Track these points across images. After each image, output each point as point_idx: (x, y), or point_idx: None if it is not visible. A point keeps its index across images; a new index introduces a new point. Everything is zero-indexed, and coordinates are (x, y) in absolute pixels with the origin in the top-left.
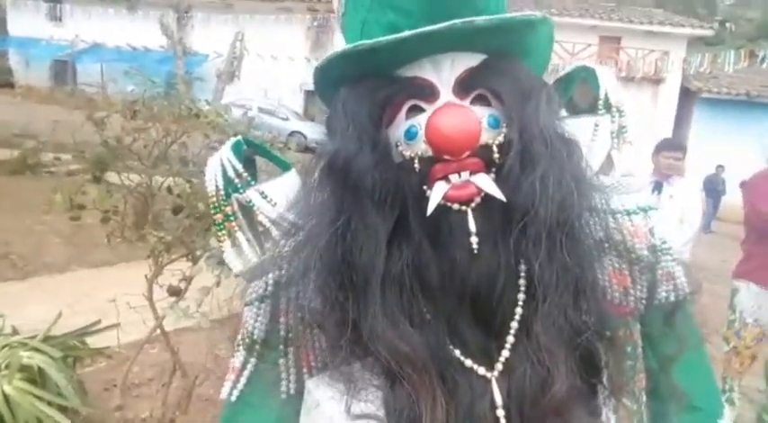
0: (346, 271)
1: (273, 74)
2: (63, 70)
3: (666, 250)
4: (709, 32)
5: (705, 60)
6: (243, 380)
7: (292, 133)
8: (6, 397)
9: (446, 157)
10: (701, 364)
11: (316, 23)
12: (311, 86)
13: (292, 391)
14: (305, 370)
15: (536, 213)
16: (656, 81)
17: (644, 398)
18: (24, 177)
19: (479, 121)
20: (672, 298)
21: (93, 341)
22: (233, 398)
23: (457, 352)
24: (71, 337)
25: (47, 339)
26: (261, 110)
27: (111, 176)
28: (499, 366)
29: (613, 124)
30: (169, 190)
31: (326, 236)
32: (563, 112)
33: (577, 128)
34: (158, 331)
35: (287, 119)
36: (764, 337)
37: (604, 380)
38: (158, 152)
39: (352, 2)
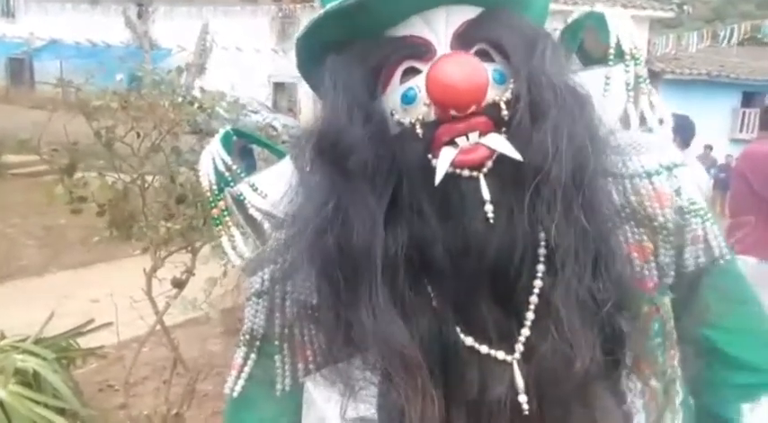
0: (339, 260)
1: (240, 66)
2: (20, 68)
3: (695, 211)
4: (669, 15)
5: (670, 41)
6: (244, 375)
7: (266, 126)
8: (1, 402)
9: (452, 112)
10: (750, 325)
11: (281, 14)
12: (279, 78)
13: (287, 388)
14: (301, 366)
15: (549, 170)
16: None
17: (678, 373)
18: None
19: (486, 70)
20: (701, 264)
21: (84, 342)
22: (234, 394)
23: (469, 339)
24: (63, 338)
25: (38, 341)
26: (230, 104)
27: (91, 175)
28: (520, 347)
29: (628, 74)
30: (172, 179)
31: (315, 222)
32: (573, 65)
33: (587, 82)
34: (157, 327)
35: (257, 112)
36: None
37: (628, 360)
38: (151, 143)
39: None
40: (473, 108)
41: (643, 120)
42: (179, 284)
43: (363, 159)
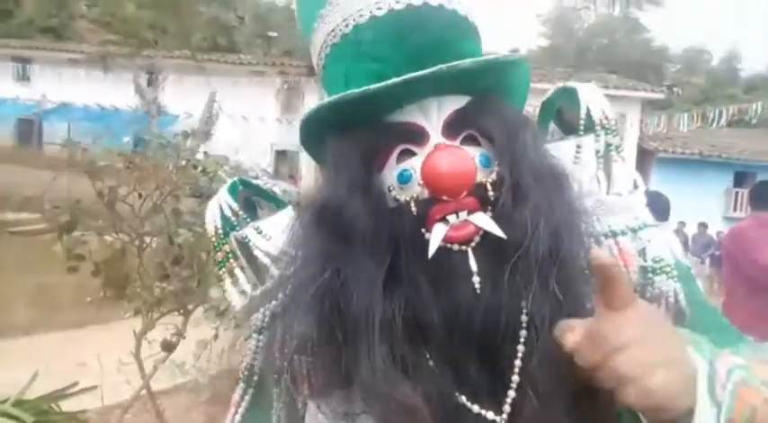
0: (338, 323)
1: (244, 134)
2: (28, 129)
3: (661, 269)
4: (660, 96)
5: (662, 121)
6: (241, 411)
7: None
8: None
9: (444, 197)
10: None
11: (286, 86)
12: (281, 146)
13: (283, 421)
14: (300, 399)
15: (528, 247)
16: None
17: None
18: None
19: (474, 160)
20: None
21: (67, 406)
22: None
23: (463, 398)
24: (44, 401)
25: (18, 403)
26: (232, 168)
27: (89, 235)
28: (507, 408)
29: (598, 143)
30: (170, 240)
31: (313, 289)
32: (552, 137)
33: (563, 151)
34: (143, 392)
35: (258, 178)
36: None
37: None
38: (152, 204)
39: (333, 55)
40: (462, 195)
41: (614, 184)
42: (169, 347)
43: (363, 231)
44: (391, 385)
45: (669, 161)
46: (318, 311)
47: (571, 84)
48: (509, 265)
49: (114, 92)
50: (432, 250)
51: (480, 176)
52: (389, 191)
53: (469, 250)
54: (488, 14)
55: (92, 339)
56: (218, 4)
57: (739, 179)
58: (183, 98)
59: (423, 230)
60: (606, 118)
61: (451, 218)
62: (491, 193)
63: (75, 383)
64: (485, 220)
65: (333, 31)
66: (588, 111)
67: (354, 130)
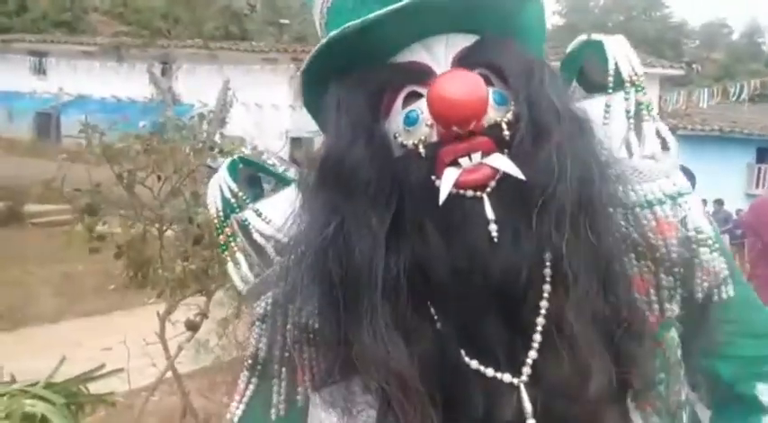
0: (340, 279)
1: (258, 121)
2: (46, 122)
3: (703, 241)
4: (679, 72)
5: (681, 98)
6: (245, 400)
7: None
8: None
9: (454, 129)
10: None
11: (299, 73)
12: (296, 133)
13: (282, 413)
14: (300, 388)
15: (555, 190)
16: None
17: (685, 408)
18: (10, 229)
19: (484, 85)
20: (710, 293)
21: (94, 389)
22: (236, 419)
23: (474, 362)
24: (73, 383)
25: (48, 386)
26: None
27: (110, 218)
28: (527, 370)
29: (628, 101)
30: (190, 220)
31: (317, 243)
32: (576, 93)
33: (589, 110)
34: (167, 375)
35: (273, 164)
36: None
37: (637, 384)
38: (171, 187)
39: (335, 9)
40: (473, 124)
41: (645, 147)
42: (193, 327)
43: (365, 179)
44: (389, 353)
45: (689, 138)
46: (322, 269)
47: (596, 36)
48: (534, 210)
49: (129, 83)
50: (443, 196)
51: (495, 115)
52: (396, 138)
53: (485, 196)
54: None
55: (116, 325)
56: None
57: (762, 155)
58: (196, 87)
59: (432, 177)
60: (636, 74)
61: (464, 161)
62: (507, 133)
63: (103, 366)
64: (502, 161)
65: None
66: (617, 66)
67: (357, 73)
